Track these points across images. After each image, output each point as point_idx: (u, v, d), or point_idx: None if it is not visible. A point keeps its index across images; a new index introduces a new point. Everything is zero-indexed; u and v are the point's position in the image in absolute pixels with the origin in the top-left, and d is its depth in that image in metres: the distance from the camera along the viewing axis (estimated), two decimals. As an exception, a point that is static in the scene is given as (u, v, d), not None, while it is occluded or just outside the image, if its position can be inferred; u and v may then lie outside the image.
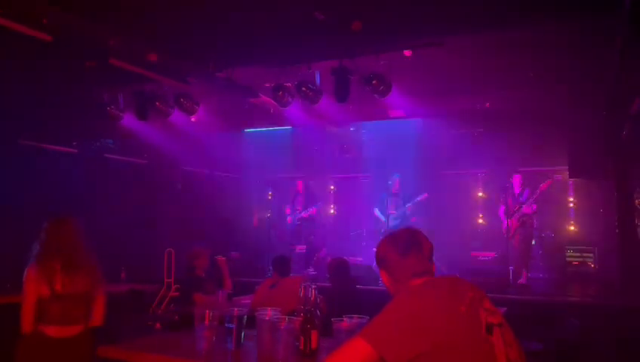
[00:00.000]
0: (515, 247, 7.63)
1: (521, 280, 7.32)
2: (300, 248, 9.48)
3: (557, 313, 5.82)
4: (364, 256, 9.08)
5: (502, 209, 7.79)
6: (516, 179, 7.81)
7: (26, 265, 3.15)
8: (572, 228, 9.04)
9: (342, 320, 2.42)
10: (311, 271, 8.90)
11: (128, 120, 8.40)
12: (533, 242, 8.04)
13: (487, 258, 8.63)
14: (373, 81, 6.52)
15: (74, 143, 8.50)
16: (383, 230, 8.92)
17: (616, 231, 7.07)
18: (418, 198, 8.89)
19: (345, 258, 5.86)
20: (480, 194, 9.93)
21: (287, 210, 10.00)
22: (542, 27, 5.65)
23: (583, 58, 6.28)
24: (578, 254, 7.96)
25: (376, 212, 9.20)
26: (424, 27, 5.67)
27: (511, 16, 5.30)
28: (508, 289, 6.94)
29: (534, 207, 7.52)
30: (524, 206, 7.54)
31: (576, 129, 7.39)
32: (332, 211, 11.28)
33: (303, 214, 9.71)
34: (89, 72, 6.74)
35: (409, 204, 8.90)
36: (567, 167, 7.63)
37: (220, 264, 5.33)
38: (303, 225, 9.77)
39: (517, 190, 7.76)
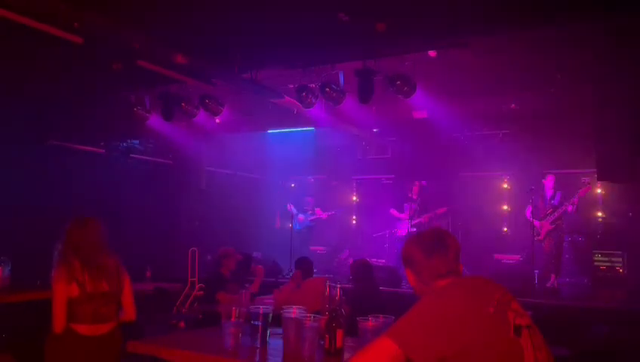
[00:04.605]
0: (546, 251, 7.50)
1: (550, 284, 7.20)
2: (320, 249, 9.52)
3: (585, 318, 5.71)
4: (386, 258, 9.05)
5: (529, 210, 7.67)
6: (549, 181, 7.66)
7: (52, 264, 3.21)
8: (600, 231, 8.85)
9: (367, 319, 2.43)
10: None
11: (154, 121, 8.53)
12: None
13: (511, 261, 8.51)
14: (398, 82, 6.49)
15: (101, 143, 8.67)
16: (396, 233, 8.94)
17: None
18: (437, 211, 8.84)
19: (367, 259, 5.86)
20: (505, 196, 9.79)
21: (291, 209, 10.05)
22: (568, 26, 5.56)
23: (611, 56, 6.15)
24: (606, 259, 7.78)
25: (394, 212, 9.18)
26: (449, 27, 5.63)
27: (536, 15, 5.23)
28: (533, 293, 6.84)
29: (571, 207, 7.35)
30: (561, 207, 7.39)
31: (604, 130, 7.22)
32: (354, 217, 11.25)
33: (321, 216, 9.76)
34: (116, 73, 6.87)
35: (426, 215, 8.84)
36: (594, 170, 7.47)
37: (258, 272, 5.34)
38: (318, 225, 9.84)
39: (549, 193, 7.62)
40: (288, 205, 10.17)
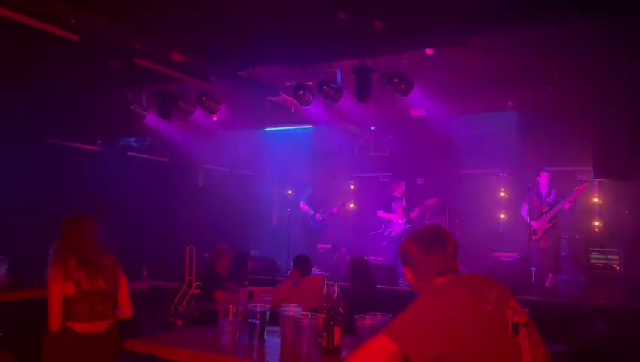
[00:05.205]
0: (543, 249, 7.50)
1: (548, 282, 7.20)
2: (324, 247, 9.52)
3: (582, 316, 5.73)
4: (384, 256, 9.05)
5: (525, 208, 7.67)
6: (543, 179, 7.66)
7: (48, 262, 3.20)
8: (597, 229, 8.86)
9: (365, 317, 2.43)
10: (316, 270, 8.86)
11: (151, 119, 8.51)
12: (559, 244, 7.93)
13: (508, 259, 8.52)
14: (395, 80, 6.48)
15: (98, 142, 8.64)
16: (392, 231, 8.94)
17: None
18: (426, 202, 8.84)
19: (365, 257, 5.87)
20: (502, 194, 9.79)
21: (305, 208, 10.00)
22: (567, 25, 5.56)
23: (609, 56, 6.15)
24: (602, 256, 7.79)
25: (381, 213, 9.18)
26: (447, 26, 5.61)
27: (535, 15, 5.22)
28: (531, 291, 6.85)
29: (567, 205, 7.36)
30: (557, 206, 7.39)
31: (601, 128, 7.23)
32: (352, 206, 11.23)
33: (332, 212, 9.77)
34: (113, 71, 6.84)
35: (416, 209, 8.84)
36: (591, 168, 7.48)
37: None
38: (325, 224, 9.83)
39: (544, 191, 7.63)
40: (302, 204, 10.11)
